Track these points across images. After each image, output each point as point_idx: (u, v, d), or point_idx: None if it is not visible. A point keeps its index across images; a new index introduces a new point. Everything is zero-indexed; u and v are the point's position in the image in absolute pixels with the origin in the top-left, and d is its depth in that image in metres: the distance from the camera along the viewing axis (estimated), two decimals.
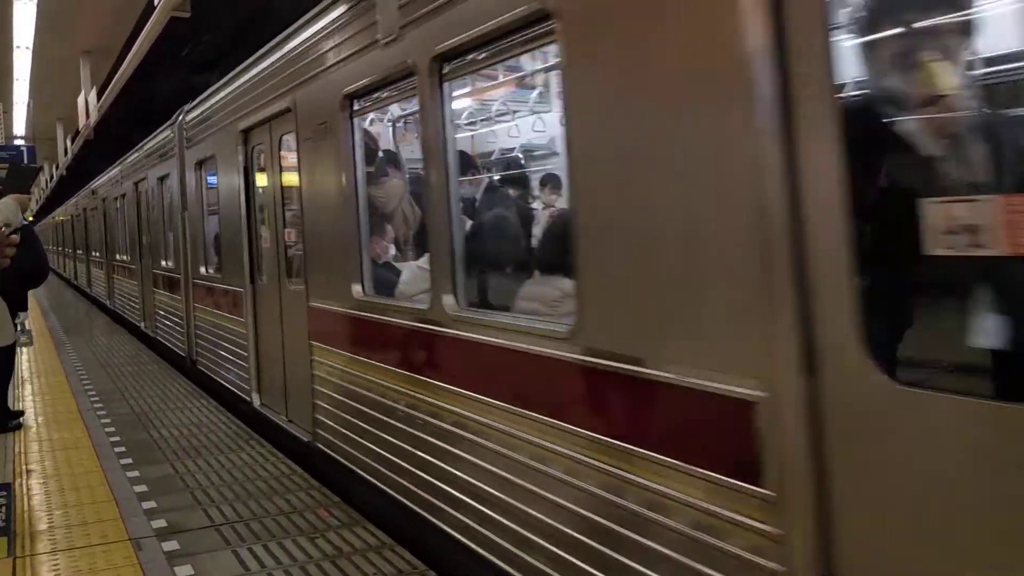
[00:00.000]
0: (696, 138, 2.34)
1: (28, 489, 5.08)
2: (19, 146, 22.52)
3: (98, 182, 18.12)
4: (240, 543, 4.13)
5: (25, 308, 7.14)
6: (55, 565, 3.93)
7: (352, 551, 3.99)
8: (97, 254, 17.91)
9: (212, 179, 7.87)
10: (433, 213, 3.83)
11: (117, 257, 14.77)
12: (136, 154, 12.46)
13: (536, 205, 5.76)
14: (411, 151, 5.45)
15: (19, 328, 6.99)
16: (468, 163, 5.56)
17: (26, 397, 7.94)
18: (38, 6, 12.81)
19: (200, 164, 8.16)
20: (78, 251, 23.72)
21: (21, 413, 6.15)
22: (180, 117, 9.05)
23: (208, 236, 8.20)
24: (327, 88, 4.85)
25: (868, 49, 2.17)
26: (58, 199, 35.89)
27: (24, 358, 10.47)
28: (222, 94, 7.35)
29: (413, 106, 4.44)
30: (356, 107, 4.64)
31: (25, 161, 19.05)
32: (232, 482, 5.12)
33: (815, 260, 2.00)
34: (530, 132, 6.42)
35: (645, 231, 2.55)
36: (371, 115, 5.10)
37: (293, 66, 5.45)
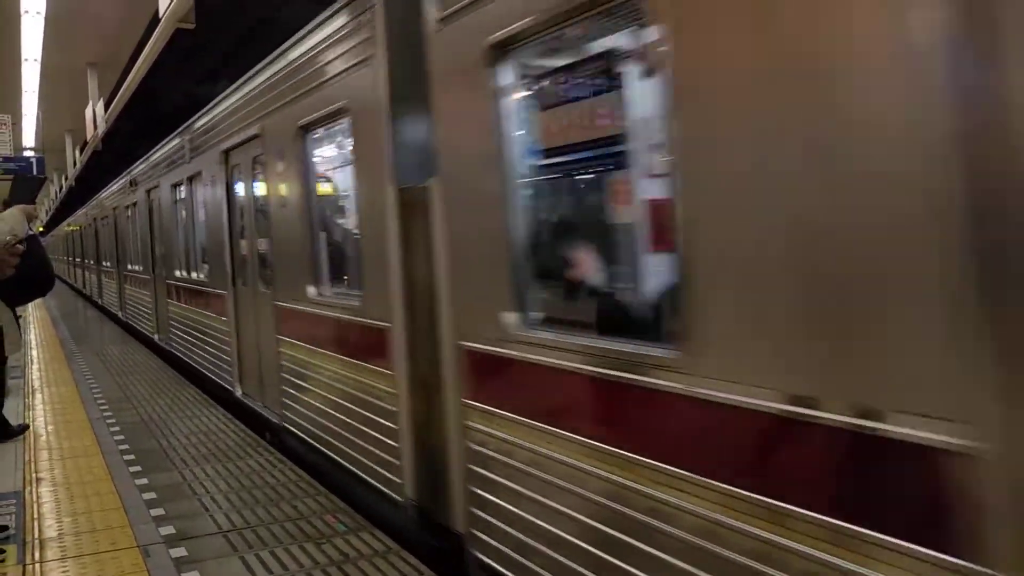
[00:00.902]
0: None
1: (38, 497, 5.13)
2: (28, 157, 22.68)
3: (104, 193, 18.48)
4: (247, 549, 4.16)
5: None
6: (64, 572, 3.97)
7: (359, 556, 4.01)
8: (108, 264, 18.22)
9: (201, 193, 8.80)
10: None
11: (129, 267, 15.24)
12: (136, 168, 13.63)
13: None
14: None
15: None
16: None
17: (36, 406, 8.01)
18: (45, 19, 12.92)
19: (191, 179, 9.12)
20: (87, 261, 24.10)
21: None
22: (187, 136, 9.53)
23: (199, 245, 9.29)
24: (287, 118, 5.65)
25: None
26: (68, 209, 36.08)
27: (35, 367, 10.55)
28: (207, 118, 8.26)
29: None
30: (308, 135, 5.50)
31: (35, 172, 19.21)
32: (240, 488, 5.15)
33: None
34: None
35: None
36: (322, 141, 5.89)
37: (262, 98, 6.29)
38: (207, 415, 7.35)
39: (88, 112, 17.53)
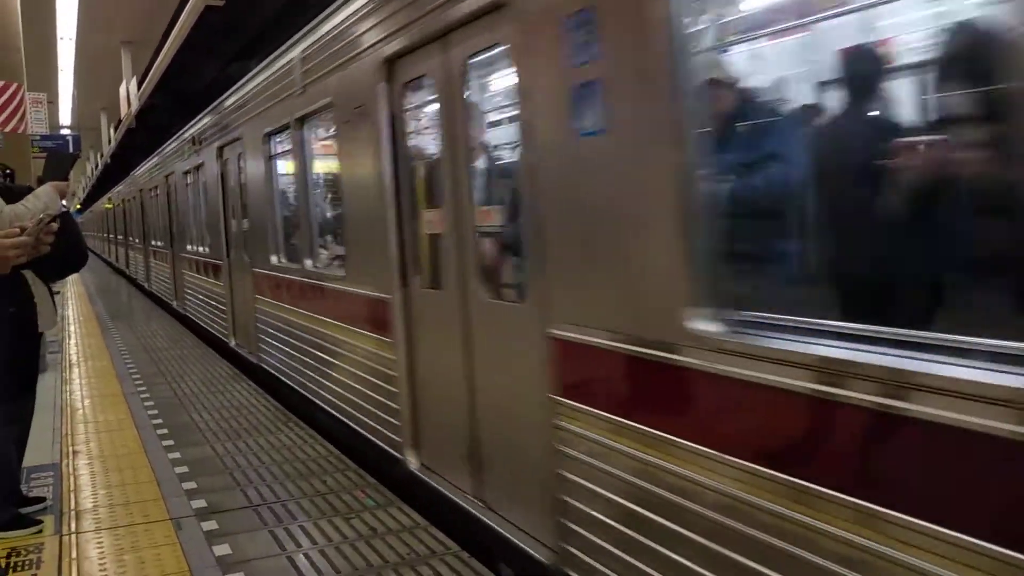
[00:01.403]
0: None
1: (74, 469, 5.23)
2: (65, 135, 23.01)
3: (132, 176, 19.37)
4: (277, 523, 4.20)
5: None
6: (99, 543, 4.04)
7: (386, 531, 4.03)
8: (137, 240, 19.97)
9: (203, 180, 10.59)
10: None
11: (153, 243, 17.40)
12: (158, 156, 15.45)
13: None
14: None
15: None
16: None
17: (73, 380, 8.17)
18: None
19: (197, 168, 10.68)
20: (119, 237, 26.36)
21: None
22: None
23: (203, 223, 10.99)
24: (258, 126, 7.19)
25: None
26: (103, 187, 36.71)
27: (72, 342, 10.75)
28: (207, 119, 9.78)
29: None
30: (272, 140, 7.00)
31: (71, 150, 19.46)
32: (270, 463, 5.21)
33: None
34: None
35: None
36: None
37: (243, 107, 7.76)
38: (239, 390, 7.44)
39: (122, 90, 17.71)
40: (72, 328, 12.41)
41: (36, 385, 4.46)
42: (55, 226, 3.32)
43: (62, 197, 4.02)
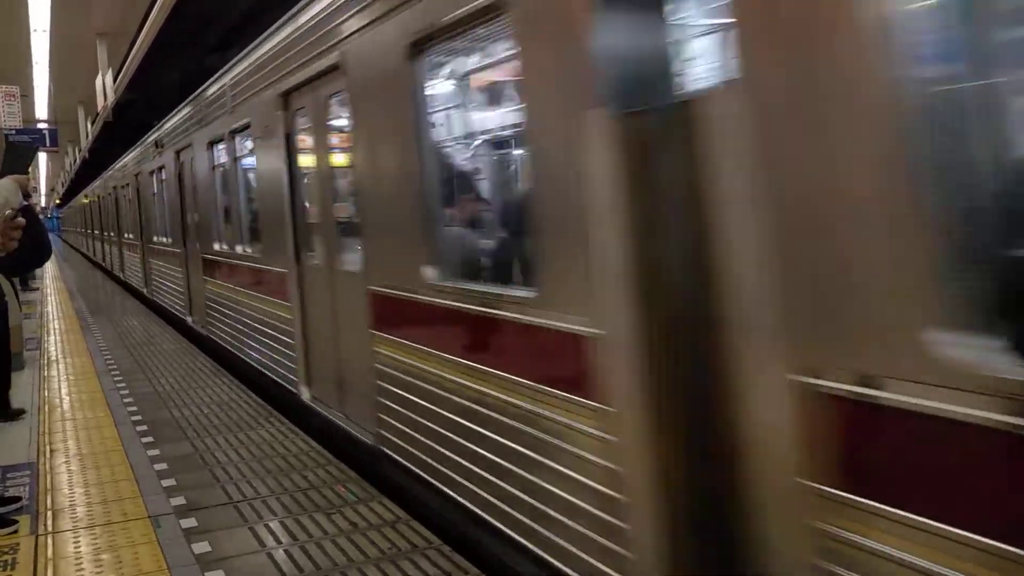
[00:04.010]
0: None
1: (52, 468, 5.16)
2: (41, 130, 22.73)
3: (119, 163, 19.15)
4: (257, 520, 4.16)
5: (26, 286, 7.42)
6: (76, 542, 3.98)
7: (368, 526, 4.00)
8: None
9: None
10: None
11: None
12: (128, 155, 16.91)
13: None
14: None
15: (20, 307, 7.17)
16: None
17: (52, 377, 8.07)
18: None
19: (160, 169, 12.11)
20: (95, 232, 27.58)
21: (22, 411, 6.38)
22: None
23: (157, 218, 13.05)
24: (204, 135, 8.77)
25: None
26: (82, 181, 36.31)
27: (53, 339, 10.62)
28: (167, 125, 11.35)
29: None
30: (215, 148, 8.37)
31: (47, 144, 19.24)
32: (251, 459, 5.16)
33: None
34: None
35: None
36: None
37: (193, 118, 9.41)
38: (220, 386, 7.38)
39: (99, 83, 17.48)
40: (52, 325, 12.26)
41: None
42: (21, 220, 3.26)
43: (22, 191, 3.94)
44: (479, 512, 3.60)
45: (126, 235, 17.89)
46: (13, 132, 16.61)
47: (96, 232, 26.92)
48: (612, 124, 2.56)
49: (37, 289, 18.22)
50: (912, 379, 1.78)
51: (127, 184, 16.50)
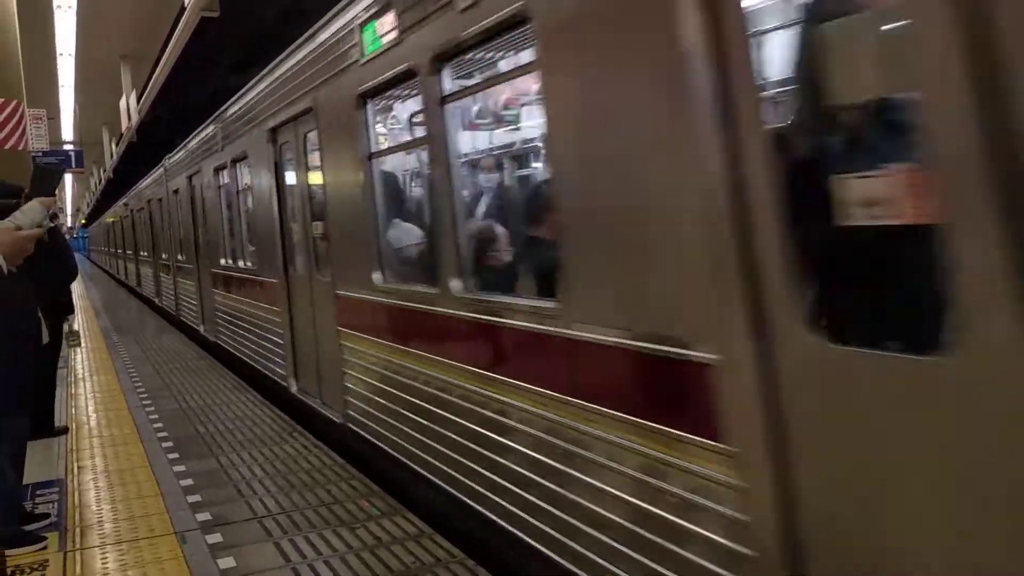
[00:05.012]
0: None
1: (79, 485, 5.22)
2: (67, 151, 23.09)
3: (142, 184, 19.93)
4: (282, 535, 4.18)
5: (72, 311, 7.41)
6: (104, 558, 4.02)
7: (392, 540, 4.01)
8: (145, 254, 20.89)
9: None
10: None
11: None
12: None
13: None
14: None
15: (67, 330, 7.20)
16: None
17: (79, 395, 8.17)
18: (77, 13, 13.08)
19: (175, 192, 13.35)
20: (117, 250, 29.55)
21: (65, 430, 6.54)
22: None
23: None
24: (211, 162, 9.86)
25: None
26: (107, 201, 36.86)
27: (79, 358, 10.76)
28: (178, 155, 12.84)
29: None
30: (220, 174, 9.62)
31: (72, 165, 19.54)
32: (275, 474, 5.19)
33: None
34: None
35: None
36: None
37: (186, 160, 11.52)
38: (244, 402, 7.43)
39: (122, 104, 17.76)
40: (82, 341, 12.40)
41: (32, 404, 4.42)
42: (35, 232, 3.31)
43: (48, 212, 4.01)
44: (427, 475, 4.52)
45: (142, 252, 19.92)
46: (40, 153, 16.89)
47: (118, 251, 28.94)
48: None
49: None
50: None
51: (143, 207, 18.01)
